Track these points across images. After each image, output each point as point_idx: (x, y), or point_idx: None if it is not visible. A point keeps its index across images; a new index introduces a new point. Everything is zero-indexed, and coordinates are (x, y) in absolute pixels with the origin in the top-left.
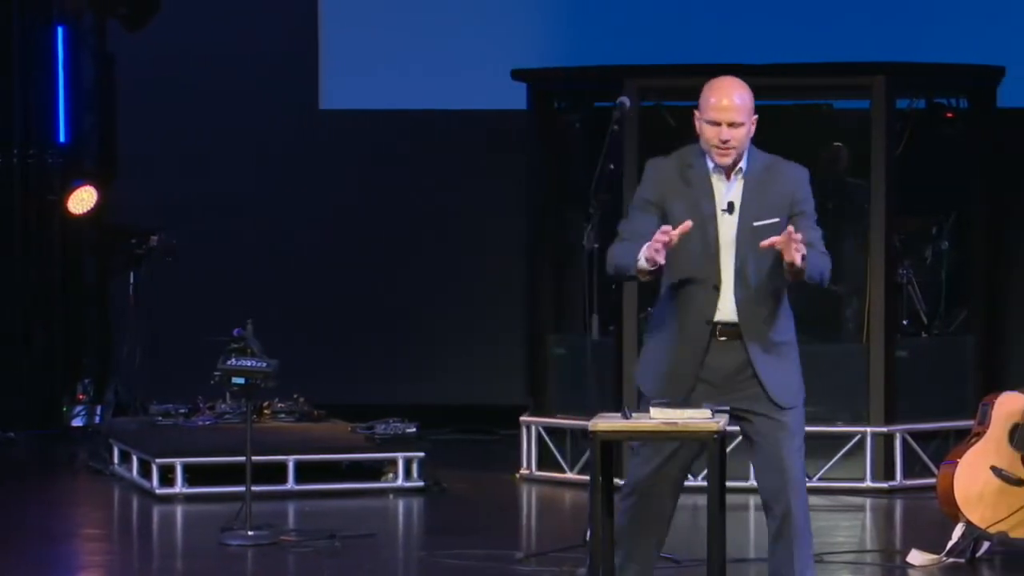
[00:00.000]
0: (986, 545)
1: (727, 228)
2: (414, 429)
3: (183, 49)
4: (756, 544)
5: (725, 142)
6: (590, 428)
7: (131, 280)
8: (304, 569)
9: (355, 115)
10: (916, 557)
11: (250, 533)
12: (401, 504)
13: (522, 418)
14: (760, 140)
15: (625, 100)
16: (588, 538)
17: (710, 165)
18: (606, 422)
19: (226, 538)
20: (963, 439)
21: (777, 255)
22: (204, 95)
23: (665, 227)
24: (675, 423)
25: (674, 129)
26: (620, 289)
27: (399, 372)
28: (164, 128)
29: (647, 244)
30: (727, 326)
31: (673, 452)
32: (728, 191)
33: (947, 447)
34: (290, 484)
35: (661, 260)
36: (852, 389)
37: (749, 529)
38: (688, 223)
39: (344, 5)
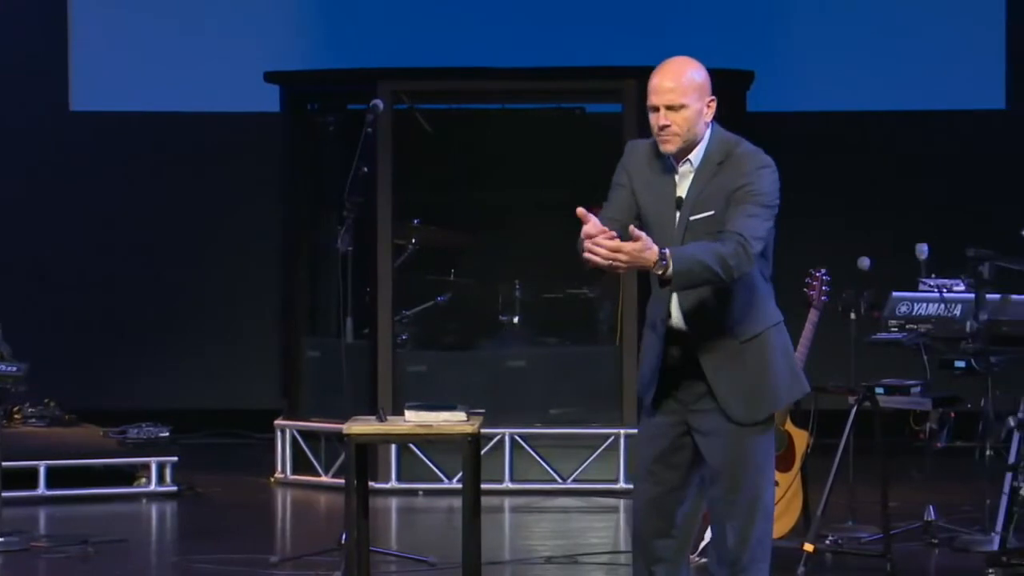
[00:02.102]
0: None
1: (678, 225)
2: (167, 433)
3: None
4: (511, 546)
5: (664, 128)
6: (344, 431)
7: None
8: (55, 575)
9: (107, 117)
10: None
11: (0, 539)
12: (154, 509)
13: (276, 422)
14: (513, 144)
15: (378, 103)
16: (343, 541)
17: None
18: (360, 425)
19: None
20: None
21: None
22: None
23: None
24: (429, 425)
25: (428, 132)
26: (375, 291)
27: (152, 376)
28: None
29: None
30: (678, 330)
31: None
32: (679, 184)
33: None
34: (41, 489)
35: (596, 260)
36: (606, 391)
37: (504, 531)
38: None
39: (94, 4)
